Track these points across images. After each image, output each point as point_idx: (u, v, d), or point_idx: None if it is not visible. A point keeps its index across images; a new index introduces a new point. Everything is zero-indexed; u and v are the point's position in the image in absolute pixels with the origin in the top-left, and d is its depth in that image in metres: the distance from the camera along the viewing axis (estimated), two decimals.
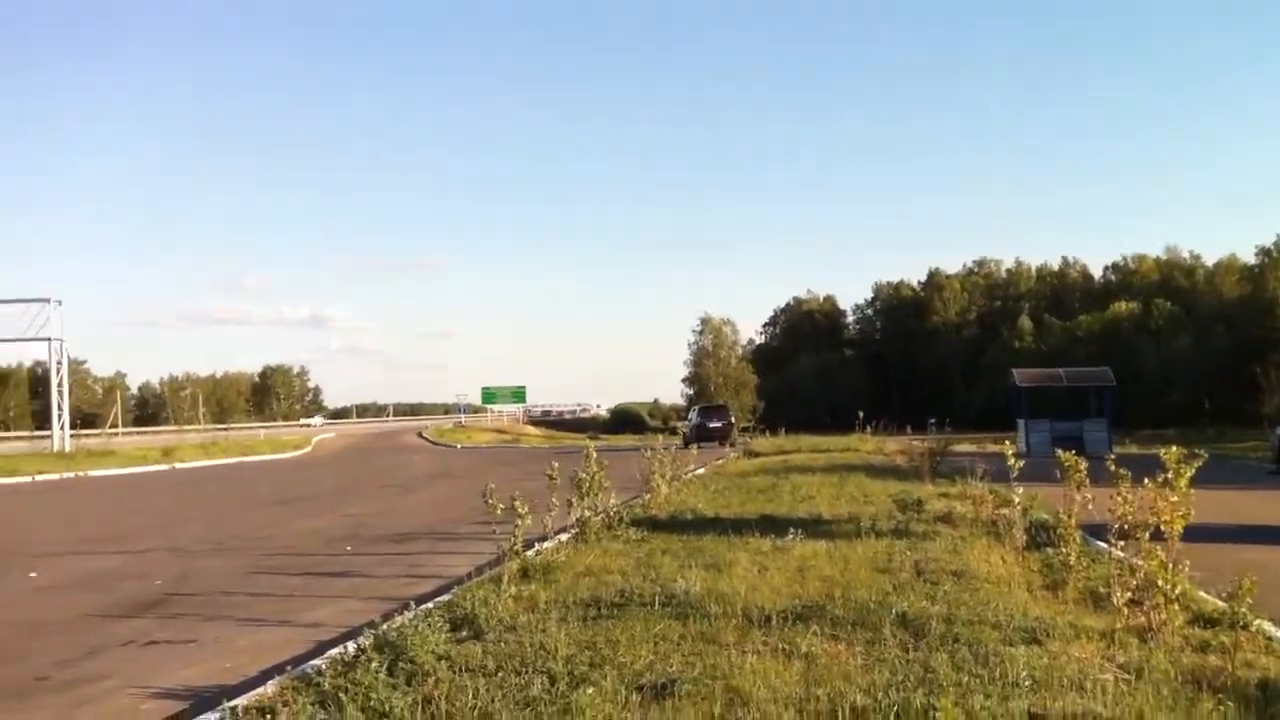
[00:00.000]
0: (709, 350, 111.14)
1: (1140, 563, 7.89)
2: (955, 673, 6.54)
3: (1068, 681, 6.34)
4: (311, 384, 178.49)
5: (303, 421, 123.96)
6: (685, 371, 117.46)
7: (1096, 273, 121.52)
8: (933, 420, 30.90)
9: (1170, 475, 7.80)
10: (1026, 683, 6.27)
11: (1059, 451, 9.66)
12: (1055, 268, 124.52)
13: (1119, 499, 8.15)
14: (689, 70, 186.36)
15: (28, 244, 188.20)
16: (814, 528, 13.76)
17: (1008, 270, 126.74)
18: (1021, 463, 11.71)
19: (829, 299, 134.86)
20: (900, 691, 6.13)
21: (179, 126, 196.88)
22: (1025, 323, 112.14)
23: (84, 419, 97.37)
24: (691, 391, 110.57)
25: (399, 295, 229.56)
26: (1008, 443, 13.14)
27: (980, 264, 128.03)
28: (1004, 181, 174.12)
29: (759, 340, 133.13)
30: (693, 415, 58.38)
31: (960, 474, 18.39)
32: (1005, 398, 48.32)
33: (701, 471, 26.85)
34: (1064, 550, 9.82)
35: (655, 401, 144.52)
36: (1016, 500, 11.94)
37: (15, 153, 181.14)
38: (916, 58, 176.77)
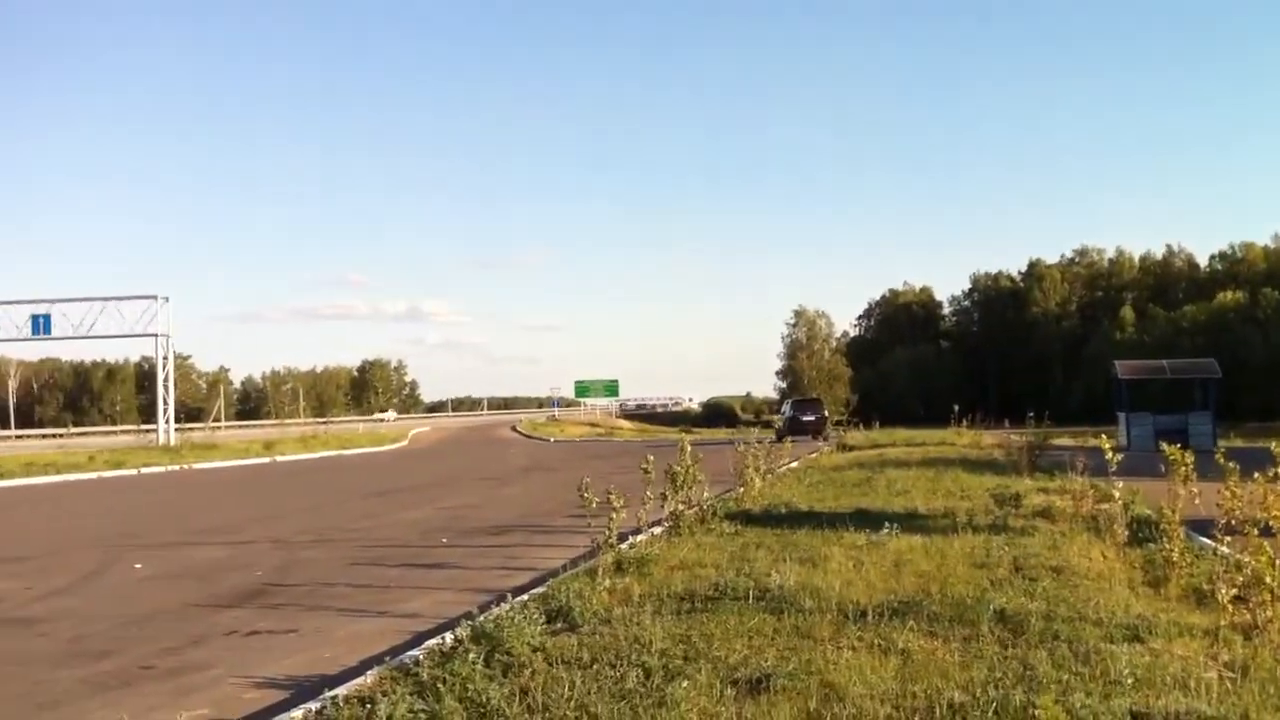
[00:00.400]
0: (802, 343, 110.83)
1: (1247, 559, 7.69)
2: (1055, 670, 6.45)
3: (1171, 680, 6.23)
4: (409, 378, 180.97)
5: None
6: (778, 364, 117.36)
7: (1202, 262, 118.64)
8: (1031, 413, 30.32)
9: None
10: (1129, 681, 6.16)
11: (1164, 445, 9.45)
12: (1159, 257, 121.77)
13: (1226, 493, 7.95)
14: (784, 60, 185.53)
15: (136, 240, 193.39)
16: (909, 522, 13.62)
17: (1110, 260, 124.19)
18: (1122, 457, 11.47)
19: (925, 290, 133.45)
20: (999, 689, 6.06)
21: (288, 126, 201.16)
22: (1128, 313, 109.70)
23: (189, 413, 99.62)
24: (784, 384, 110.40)
25: (495, 290, 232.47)
26: (1107, 436, 12.87)
27: (1081, 253, 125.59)
28: (1106, 170, 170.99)
29: (853, 333, 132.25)
30: (786, 408, 58.13)
31: (1059, 468, 18.12)
32: (1106, 390, 47.36)
33: (795, 465, 26.73)
34: (1167, 546, 9.61)
35: (748, 395, 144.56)
36: (1117, 495, 11.70)
37: (123, 149, 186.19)
38: (1020, 44, 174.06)
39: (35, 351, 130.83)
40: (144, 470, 38.11)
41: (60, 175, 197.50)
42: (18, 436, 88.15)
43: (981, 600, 8.44)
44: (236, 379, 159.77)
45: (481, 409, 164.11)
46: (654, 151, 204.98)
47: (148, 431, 63.99)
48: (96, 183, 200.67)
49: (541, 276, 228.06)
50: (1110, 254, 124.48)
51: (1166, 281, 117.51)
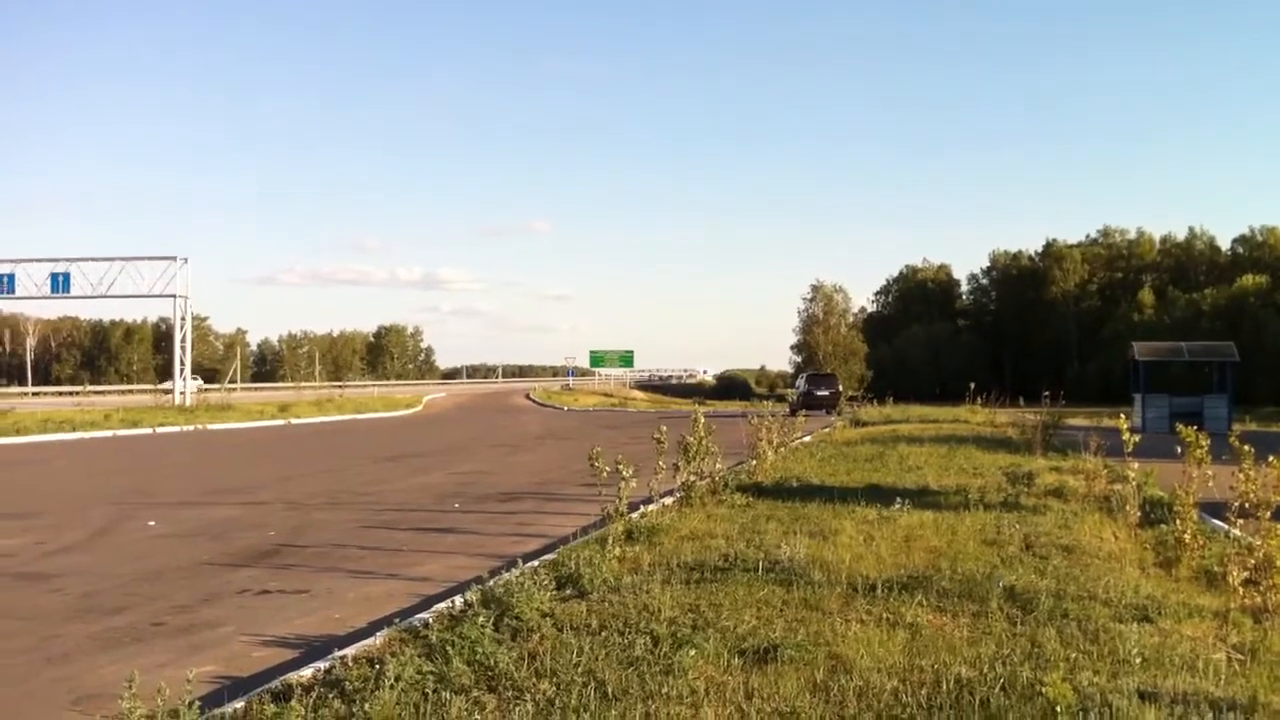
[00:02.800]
0: (819, 318, 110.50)
1: (1259, 542, 7.65)
2: (1063, 648, 6.45)
3: (1179, 660, 6.22)
4: (424, 344, 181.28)
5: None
6: (794, 339, 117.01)
7: (1224, 245, 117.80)
8: (1046, 393, 30.22)
9: None
10: (1137, 660, 6.15)
11: (1180, 426, 9.39)
12: (1180, 239, 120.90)
13: (1240, 476, 7.90)
14: (802, 36, 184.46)
15: (155, 200, 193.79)
16: (921, 498, 13.61)
17: (1130, 241, 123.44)
18: (1137, 438, 11.42)
19: (943, 268, 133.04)
20: (1006, 665, 6.06)
21: (305, 90, 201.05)
22: (1147, 295, 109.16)
23: (205, 374, 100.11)
24: (799, 359, 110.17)
25: (511, 259, 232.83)
26: (1123, 417, 12.80)
27: (1103, 233, 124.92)
28: (1127, 150, 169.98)
29: (870, 308, 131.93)
30: (800, 383, 58.12)
31: (1073, 448, 18.08)
32: (1123, 372, 47.18)
33: (808, 439, 26.70)
34: (1179, 527, 9.56)
35: (762, 368, 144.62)
36: (1131, 475, 11.65)
37: (144, 111, 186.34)
38: (1046, 20, 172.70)
39: (54, 310, 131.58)
40: (159, 430, 38.28)
41: (82, 134, 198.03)
42: (35, 394, 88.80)
43: (991, 577, 8.43)
44: (253, 341, 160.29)
45: (496, 377, 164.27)
46: (674, 123, 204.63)
47: (164, 391, 64.25)
48: (118, 143, 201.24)
49: (558, 247, 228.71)
50: (1131, 235, 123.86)
51: (1187, 264, 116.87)
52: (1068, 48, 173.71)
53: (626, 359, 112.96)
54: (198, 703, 5.32)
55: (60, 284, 57.34)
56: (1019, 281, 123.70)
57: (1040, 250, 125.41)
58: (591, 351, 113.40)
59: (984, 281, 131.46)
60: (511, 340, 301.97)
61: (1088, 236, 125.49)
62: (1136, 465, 11.57)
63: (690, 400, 64.11)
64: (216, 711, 5.62)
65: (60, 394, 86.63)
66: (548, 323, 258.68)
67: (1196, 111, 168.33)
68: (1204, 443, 9.09)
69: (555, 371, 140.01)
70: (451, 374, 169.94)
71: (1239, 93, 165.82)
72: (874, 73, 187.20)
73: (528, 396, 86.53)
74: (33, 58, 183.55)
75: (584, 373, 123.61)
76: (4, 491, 19.38)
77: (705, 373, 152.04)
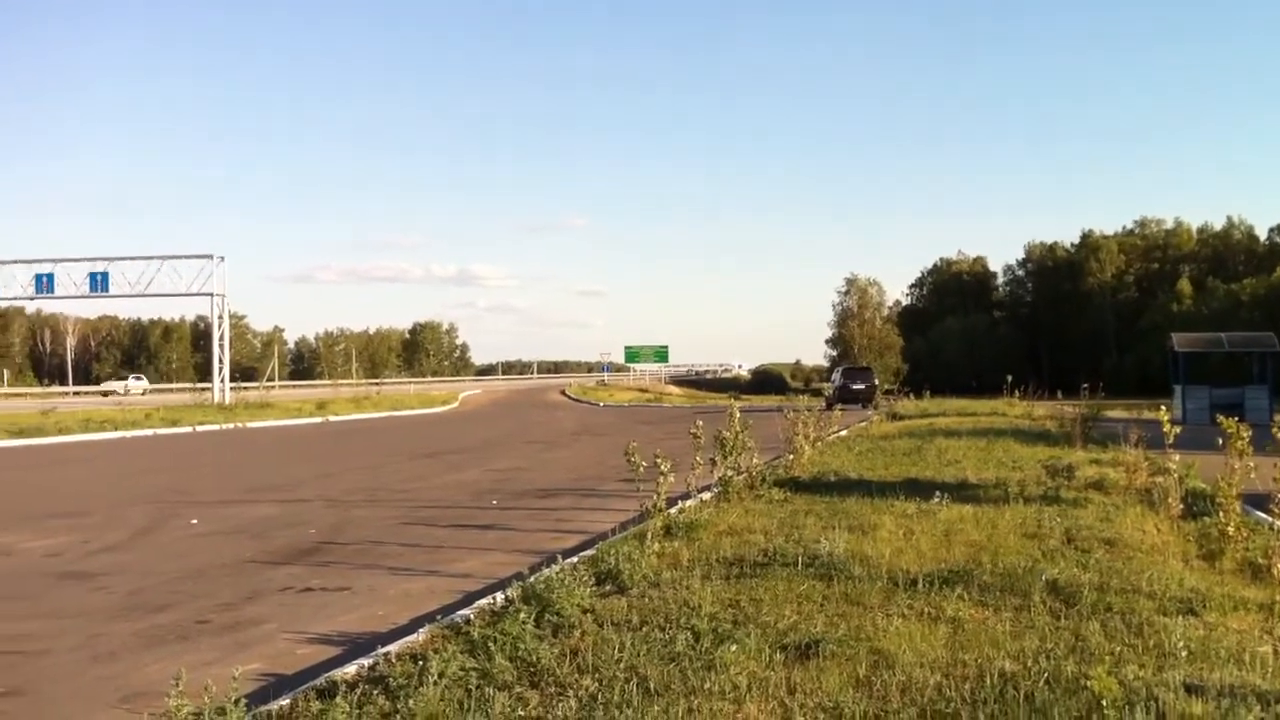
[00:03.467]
0: (854, 311, 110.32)
1: None
2: (1108, 642, 6.41)
3: (1225, 653, 6.17)
4: (459, 340, 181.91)
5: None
6: (829, 333, 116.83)
7: (1262, 234, 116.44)
8: (1085, 385, 29.98)
9: None
10: (1182, 654, 6.11)
11: (1220, 418, 9.32)
12: (1218, 228, 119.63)
13: None
14: (835, 31, 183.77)
15: (193, 200, 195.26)
16: (960, 492, 13.54)
17: (1167, 231, 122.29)
18: (1178, 429, 11.32)
19: (979, 260, 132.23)
20: (1050, 659, 6.03)
21: (340, 89, 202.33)
22: (1185, 286, 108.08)
23: (243, 372, 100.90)
24: (834, 353, 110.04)
25: (545, 255, 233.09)
26: (1164, 408, 12.69)
27: (1139, 224, 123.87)
28: (1164, 140, 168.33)
29: (905, 301, 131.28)
30: (836, 376, 57.93)
31: (1113, 440, 17.94)
32: (1161, 363, 46.83)
33: (844, 433, 26.64)
34: (1222, 520, 9.48)
35: (797, 362, 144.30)
36: (1172, 468, 11.56)
37: (183, 108, 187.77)
38: (1083, 9, 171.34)
39: (93, 309, 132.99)
40: (199, 428, 38.62)
41: (119, 133, 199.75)
42: (75, 393, 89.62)
43: (1033, 571, 8.38)
44: (290, 339, 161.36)
45: (531, 372, 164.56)
46: (709, 117, 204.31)
47: (203, 390, 64.78)
48: (155, 142, 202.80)
49: (591, 242, 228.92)
50: (1168, 225, 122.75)
51: (1225, 254, 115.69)
52: (1102, 37, 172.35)
53: (661, 354, 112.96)
54: (244, 700, 5.37)
55: (99, 283, 58.00)
56: (1055, 273, 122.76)
57: (1076, 241, 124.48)
58: (626, 347, 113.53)
59: (1020, 273, 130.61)
60: (546, 336, 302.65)
61: (1124, 227, 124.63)
62: (1178, 457, 11.49)
63: (725, 395, 64.15)
64: (262, 709, 5.66)
65: (101, 393, 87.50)
66: (583, 318, 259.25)
67: (1233, 100, 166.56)
68: (1245, 434, 9.02)
69: (590, 367, 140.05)
70: (487, 370, 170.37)
71: (1278, 80, 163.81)
72: (908, 66, 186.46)
73: (563, 392, 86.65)
74: (69, 56, 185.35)
75: (619, 368, 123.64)
76: (48, 491, 19.61)
77: (740, 367, 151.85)
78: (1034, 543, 9.97)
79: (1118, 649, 6.25)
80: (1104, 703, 5.06)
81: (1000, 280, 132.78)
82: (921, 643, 6.45)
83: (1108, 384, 37.68)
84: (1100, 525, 10.91)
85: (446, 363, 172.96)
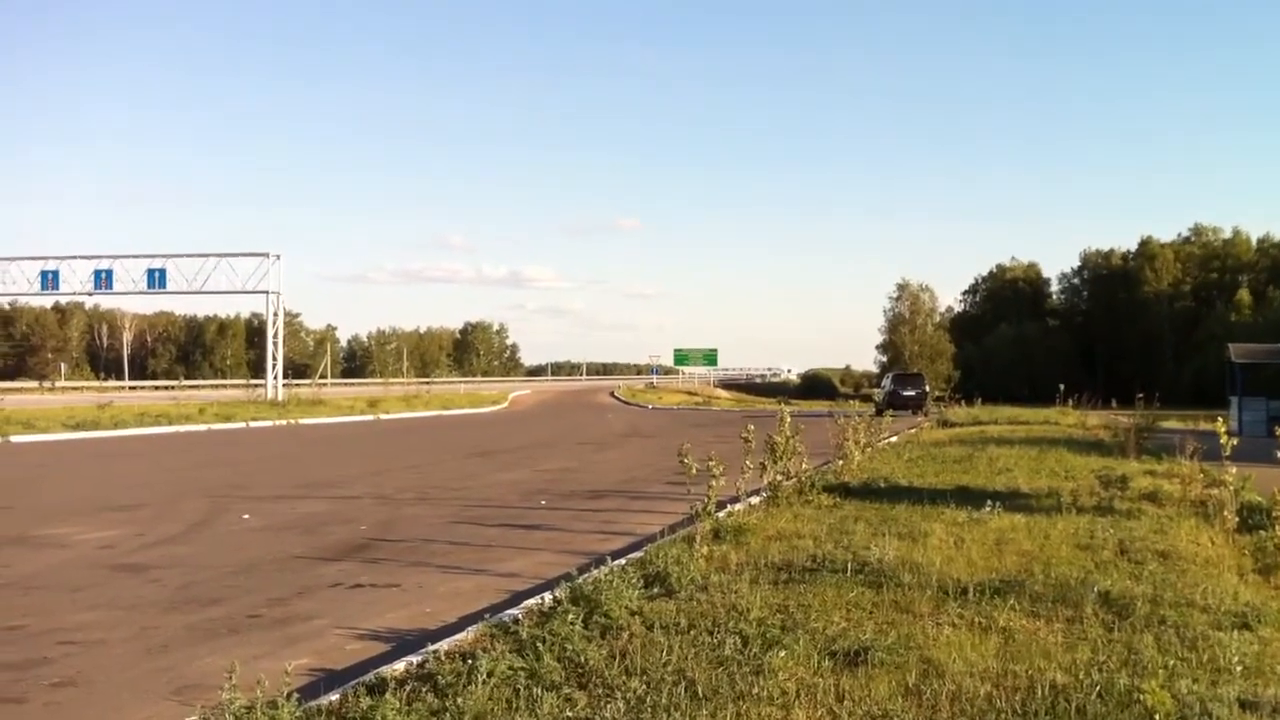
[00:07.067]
0: (905, 317, 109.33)
1: None
2: (1161, 655, 6.33)
3: None
4: (509, 341, 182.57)
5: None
6: (879, 338, 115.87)
7: None
8: (1139, 395, 29.62)
9: None
10: (1237, 668, 6.03)
11: (1278, 430, 9.18)
12: (1278, 239, 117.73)
13: None
14: (886, 32, 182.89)
15: (250, 198, 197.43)
16: (1011, 501, 13.43)
17: (1225, 239, 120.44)
18: (1234, 441, 11.16)
19: (1033, 266, 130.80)
20: (1103, 672, 5.97)
21: (399, 88, 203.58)
22: (1244, 296, 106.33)
23: (296, 369, 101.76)
24: (885, 358, 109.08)
25: (595, 257, 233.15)
26: (1220, 420, 12.51)
27: (1196, 232, 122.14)
28: (1223, 147, 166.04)
29: (958, 308, 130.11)
30: (886, 382, 57.62)
31: (1168, 451, 17.72)
32: (1218, 374, 46.13)
33: (894, 440, 26.47)
34: (1278, 533, 9.34)
35: (847, 368, 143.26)
36: (1228, 480, 11.40)
37: (239, 107, 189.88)
38: (1139, 16, 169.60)
39: (150, 305, 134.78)
40: (252, 424, 39.02)
41: (179, 131, 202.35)
42: (131, 388, 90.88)
43: (1085, 582, 8.29)
44: (343, 337, 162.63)
45: (580, 374, 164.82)
46: (761, 119, 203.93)
47: (256, 386, 65.43)
48: (214, 142, 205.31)
49: (641, 245, 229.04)
50: (1226, 234, 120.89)
51: None
52: (1163, 40, 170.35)
53: (710, 357, 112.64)
54: (295, 694, 5.42)
55: (156, 280, 58.81)
56: (1110, 281, 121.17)
57: (1133, 250, 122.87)
58: (676, 350, 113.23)
59: (1075, 281, 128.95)
60: (596, 338, 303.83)
61: (1180, 235, 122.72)
62: (1233, 469, 11.33)
63: (774, 399, 63.88)
64: (313, 703, 5.70)
65: (157, 388, 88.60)
66: (632, 321, 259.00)
67: None
68: None
69: (639, 369, 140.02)
70: (536, 371, 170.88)
71: None
72: (963, 68, 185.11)
73: (612, 394, 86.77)
74: (134, 52, 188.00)
75: (668, 371, 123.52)
76: (104, 484, 19.89)
77: (790, 371, 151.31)
78: (1087, 554, 9.86)
79: (1171, 663, 6.17)
80: (1157, 717, 5.00)
81: (1055, 288, 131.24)
82: (972, 652, 6.40)
83: (1163, 394, 37.23)
84: (1154, 537, 10.77)
85: (496, 363, 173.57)
